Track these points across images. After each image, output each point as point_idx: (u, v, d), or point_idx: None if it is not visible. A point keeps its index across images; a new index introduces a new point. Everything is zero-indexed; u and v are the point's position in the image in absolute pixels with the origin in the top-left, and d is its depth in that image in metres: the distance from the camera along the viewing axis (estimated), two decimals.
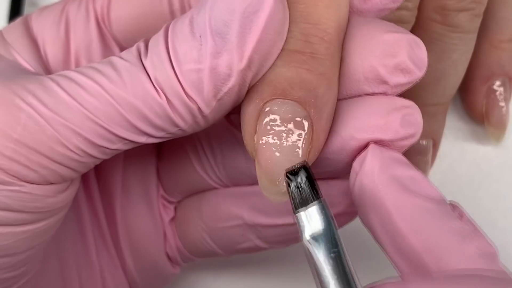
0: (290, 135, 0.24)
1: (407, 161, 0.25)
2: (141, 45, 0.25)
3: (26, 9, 0.41)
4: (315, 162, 0.26)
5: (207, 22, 0.23)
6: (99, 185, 0.33)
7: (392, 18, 0.34)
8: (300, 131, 0.24)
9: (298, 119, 0.24)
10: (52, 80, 0.25)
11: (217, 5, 0.23)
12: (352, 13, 0.26)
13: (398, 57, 0.24)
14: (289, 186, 0.23)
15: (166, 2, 0.28)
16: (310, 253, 0.22)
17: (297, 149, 0.24)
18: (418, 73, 0.25)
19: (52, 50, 0.29)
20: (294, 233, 0.30)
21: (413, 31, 0.36)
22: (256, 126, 0.24)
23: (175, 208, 0.34)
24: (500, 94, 0.39)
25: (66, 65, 0.29)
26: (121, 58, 0.25)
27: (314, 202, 0.23)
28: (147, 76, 0.24)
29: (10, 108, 0.24)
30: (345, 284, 0.22)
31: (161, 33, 0.25)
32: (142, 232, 0.33)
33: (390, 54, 0.24)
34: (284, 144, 0.24)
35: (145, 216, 0.33)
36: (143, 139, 0.25)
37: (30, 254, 0.27)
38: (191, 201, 0.34)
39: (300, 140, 0.24)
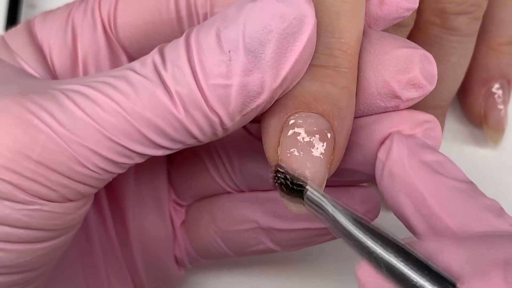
0: (314, 147, 0.24)
1: (431, 146, 0.25)
2: (157, 57, 0.24)
3: (24, 10, 0.41)
4: (337, 171, 0.26)
5: (241, 39, 0.23)
6: (107, 191, 0.33)
7: None
8: (324, 143, 0.24)
9: (322, 131, 0.24)
10: (68, 97, 0.24)
11: (251, 22, 0.23)
12: (366, 25, 0.27)
13: (411, 72, 0.25)
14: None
15: (174, 10, 0.28)
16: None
17: (321, 161, 0.24)
18: (429, 87, 0.25)
19: (59, 58, 0.29)
20: (308, 237, 0.30)
21: (412, 34, 0.36)
22: (280, 139, 0.24)
23: (186, 211, 0.34)
24: (499, 97, 0.39)
25: (73, 73, 0.29)
26: (136, 72, 0.24)
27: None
28: (165, 91, 0.24)
29: (29, 129, 0.24)
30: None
31: (181, 45, 0.24)
32: (153, 236, 0.33)
33: (403, 69, 0.25)
34: (309, 157, 0.24)
35: (156, 219, 0.33)
36: (160, 152, 0.25)
37: (45, 269, 0.27)
38: (202, 204, 0.34)
39: (323, 152, 0.24)
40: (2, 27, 0.41)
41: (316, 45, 0.24)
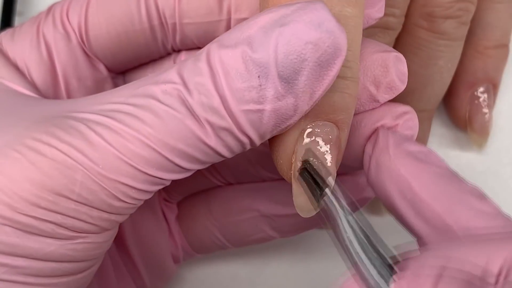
0: (329, 154, 0.25)
1: (413, 139, 0.27)
2: (178, 82, 0.24)
3: (17, 19, 0.41)
4: None
5: (273, 66, 0.23)
6: None
7: (379, 24, 0.35)
8: (336, 149, 0.25)
9: (336, 139, 0.25)
10: (96, 132, 0.24)
11: (283, 49, 0.22)
12: None
13: (388, 77, 0.26)
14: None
15: (146, 20, 0.28)
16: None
17: (334, 168, 0.25)
18: (401, 87, 0.27)
19: (38, 74, 0.29)
20: (307, 221, 0.30)
21: (400, 37, 0.36)
22: (295, 147, 0.25)
23: (178, 207, 0.35)
24: (484, 100, 0.39)
25: (55, 87, 0.29)
26: (160, 102, 0.24)
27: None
28: (194, 120, 0.23)
29: (65, 171, 0.24)
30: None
31: (205, 69, 0.23)
32: (149, 235, 0.34)
33: (380, 74, 0.26)
34: (325, 164, 0.24)
35: (150, 218, 0.34)
36: (190, 173, 0.25)
37: None
38: (197, 199, 0.34)
39: (335, 158, 0.25)
40: None
41: None
